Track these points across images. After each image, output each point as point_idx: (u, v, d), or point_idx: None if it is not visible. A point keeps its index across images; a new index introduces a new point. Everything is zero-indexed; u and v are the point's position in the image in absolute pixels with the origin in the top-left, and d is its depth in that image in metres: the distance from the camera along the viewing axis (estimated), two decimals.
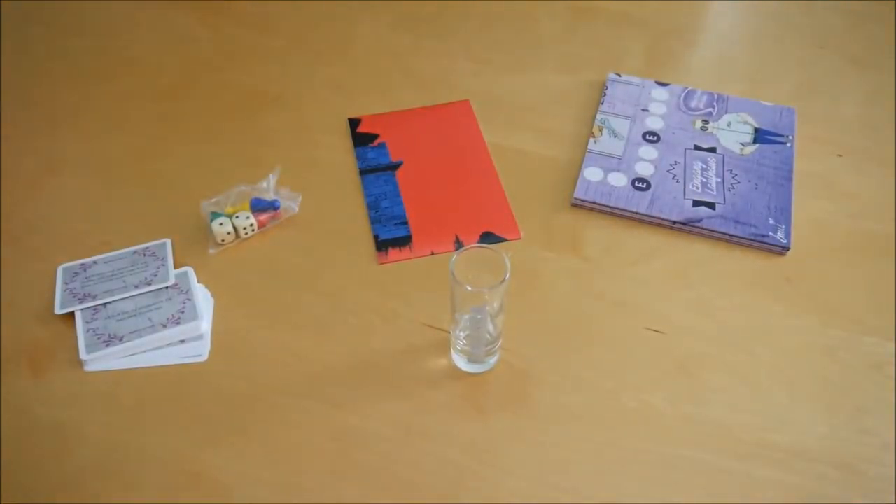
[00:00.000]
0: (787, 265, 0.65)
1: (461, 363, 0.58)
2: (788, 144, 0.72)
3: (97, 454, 0.54)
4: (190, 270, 0.63)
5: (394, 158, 0.73)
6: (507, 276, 0.51)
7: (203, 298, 0.62)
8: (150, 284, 0.62)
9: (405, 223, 0.68)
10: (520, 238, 0.67)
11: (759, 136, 0.73)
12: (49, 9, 0.92)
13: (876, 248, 0.66)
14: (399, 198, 0.70)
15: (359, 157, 0.74)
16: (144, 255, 0.65)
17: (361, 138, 0.75)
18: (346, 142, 0.76)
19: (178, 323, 0.59)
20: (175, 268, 0.64)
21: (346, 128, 0.77)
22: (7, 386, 0.57)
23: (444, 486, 0.52)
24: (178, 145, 0.75)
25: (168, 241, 0.66)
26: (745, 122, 0.74)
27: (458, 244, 0.66)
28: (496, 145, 0.75)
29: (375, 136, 0.75)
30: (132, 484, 0.53)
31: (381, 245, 0.66)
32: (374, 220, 0.68)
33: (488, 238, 0.67)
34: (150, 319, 0.60)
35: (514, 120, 0.78)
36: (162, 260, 0.64)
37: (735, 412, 0.56)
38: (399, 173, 0.72)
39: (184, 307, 0.60)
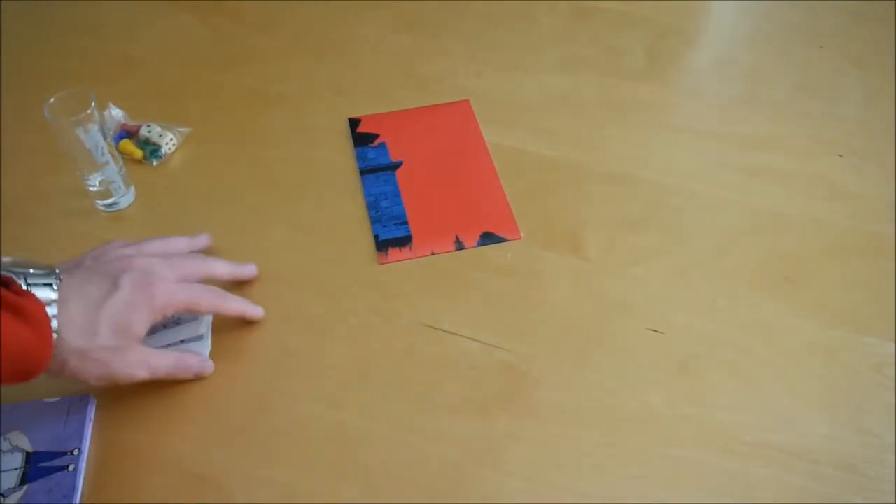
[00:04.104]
0: (787, 265, 0.65)
1: (103, 206, 0.69)
2: None
3: (97, 454, 0.54)
4: None
5: (394, 158, 0.73)
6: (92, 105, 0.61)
7: None
8: None
9: (405, 223, 0.68)
10: (520, 238, 0.67)
11: None
12: (49, 9, 0.92)
13: (876, 248, 0.66)
14: (399, 198, 0.70)
15: (359, 157, 0.73)
16: None
17: (361, 138, 0.75)
18: (346, 142, 0.76)
19: (177, 323, 0.59)
20: None
21: (346, 127, 0.77)
22: (8, 386, 0.57)
23: (444, 486, 0.52)
24: (178, 146, 0.75)
25: None
26: None
27: (459, 244, 0.66)
28: (496, 145, 0.75)
29: (375, 136, 0.75)
30: (132, 484, 0.53)
31: (381, 245, 0.66)
32: (374, 220, 0.68)
33: (488, 238, 0.67)
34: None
35: (514, 120, 0.78)
36: None
37: (735, 412, 0.56)
38: (399, 173, 0.72)
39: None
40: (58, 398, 0.56)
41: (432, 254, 0.66)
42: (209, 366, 0.58)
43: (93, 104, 0.63)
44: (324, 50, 0.86)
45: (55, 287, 0.50)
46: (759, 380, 0.58)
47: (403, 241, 0.66)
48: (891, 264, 0.65)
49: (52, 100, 0.63)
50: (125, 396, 0.57)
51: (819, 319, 0.61)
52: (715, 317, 0.62)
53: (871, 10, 0.90)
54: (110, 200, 0.69)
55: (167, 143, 0.74)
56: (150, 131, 0.74)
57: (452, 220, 0.68)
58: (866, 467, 0.53)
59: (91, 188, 0.68)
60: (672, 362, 0.59)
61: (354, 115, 0.78)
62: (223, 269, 0.61)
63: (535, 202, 0.70)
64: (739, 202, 0.70)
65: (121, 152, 0.72)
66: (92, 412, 0.56)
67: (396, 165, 0.73)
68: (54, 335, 0.49)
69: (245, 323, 0.61)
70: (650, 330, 0.61)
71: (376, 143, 0.75)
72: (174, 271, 0.56)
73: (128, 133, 0.75)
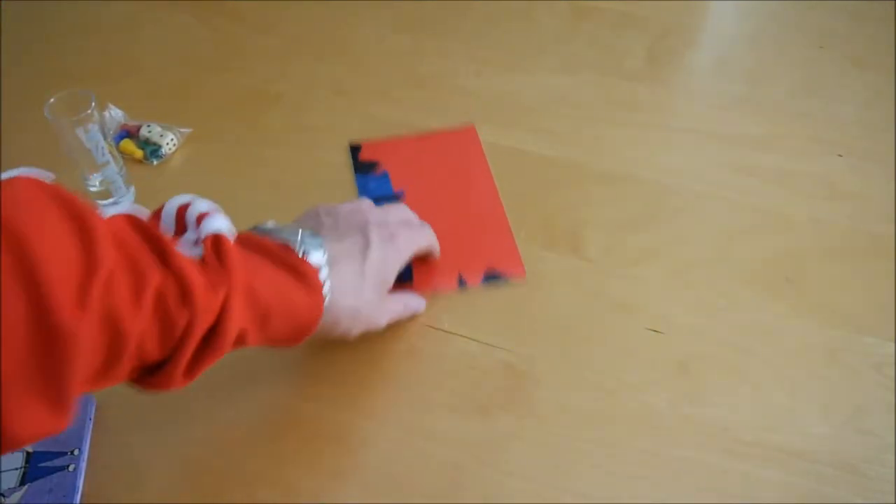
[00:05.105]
0: (788, 265, 0.65)
1: (103, 206, 0.69)
2: None
3: (97, 454, 0.54)
4: None
5: (396, 188, 0.71)
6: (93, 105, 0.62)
7: None
8: None
9: None
10: (524, 277, 0.64)
11: None
12: (49, 9, 0.92)
13: (876, 248, 0.66)
14: None
15: (360, 188, 0.71)
16: None
17: (363, 167, 0.72)
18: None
19: None
20: None
21: (347, 131, 0.77)
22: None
23: (444, 486, 0.52)
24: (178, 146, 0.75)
25: None
26: None
27: (462, 282, 0.63)
28: (496, 145, 0.75)
29: (377, 165, 0.73)
30: (132, 484, 0.53)
31: None
32: None
33: (493, 277, 0.64)
34: None
35: (514, 120, 0.78)
36: None
37: (735, 412, 0.56)
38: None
39: None
40: None
41: (433, 292, 0.63)
42: (423, 304, 0.61)
43: (93, 104, 0.63)
44: (324, 50, 0.86)
45: (325, 250, 0.50)
46: (759, 380, 0.58)
47: (402, 278, 0.60)
48: (891, 264, 0.65)
49: (52, 100, 0.63)
50: (125, 396, 0.57)
51: (819, 319, 0.61)
52: (715, 317, 0.62)
53: (871, 10, 0.90)
54: (110, 200, 0.69)
55: (167, 143, 0.74)
56: (150, 131, 0.74)
57: (455, 255, 0.65)
58: (866, 467, 0.53)
59: (91, 188, 0.68)
60: (672, 362, 0.59)
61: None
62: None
63: (535, 202, 0.70)
64: (739, 202, 0.70)
65: (121, 152, 0.72)
66: (92, 412, 0.56)
67: (398, 196, 0.70)
68: (327, 298, 0.49)
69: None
70: (650, 330, 0.61)
71: (378, 172, 0.72)
72: (396, 216, 0.59)
73: (128, 133, 0.75)
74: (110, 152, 0.67)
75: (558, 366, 0.59)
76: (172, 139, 0.74)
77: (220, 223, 0.45)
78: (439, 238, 0.64)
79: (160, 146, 0.74)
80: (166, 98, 0.80)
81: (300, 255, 0.48)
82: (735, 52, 0.86)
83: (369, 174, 0.72)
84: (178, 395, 0.57)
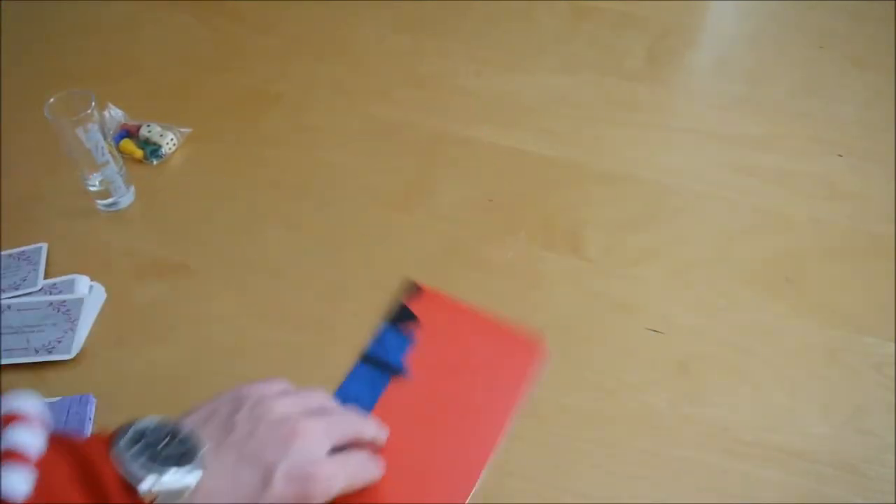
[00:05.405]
0: (787, 265, 0.65)
1: (103, 206, 0.69)
2: None
3: None
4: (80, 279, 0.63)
5: (406, 361, 0.58)
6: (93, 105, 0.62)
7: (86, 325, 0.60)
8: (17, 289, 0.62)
9: None
10: None
11: None
12: (49, 9, 0.92)
13: (876, 248, 0.66)
14: (370, 413, 0.54)
15: (378, 336, 0.59)
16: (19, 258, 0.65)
17: (402, 315, 0.61)
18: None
19: (49, 352, 0.58)
20: None
21: (347, 131, 0.77)
22: None
23: None
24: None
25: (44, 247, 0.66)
26: None
27: None
28: (496, 145, 0.75)
29: (415, 323, 0.60)
30: None
31: None
32: None
33: None
34: (27, 341, 0.59)
35: (514, 120, 0.78)
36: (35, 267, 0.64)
37: (735, 412, 0.56)
38: (394, 384, 0.57)
39: (62, 338, 0.59)
40: (58, 398, 0.56)
41: None
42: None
43: (93, 104, 0.63)
44: (324, 50, 0.86)
45: (197, 485, 0.41)
46: (759, 380, 0.58)
47: None
48: (891, 264, 0.65)
49: (52, 100, 0.63)
50: (125, 396, 0.57)
51: (819, 319, 0.61)
52: (715, 317, 0.62)
53: (871, 10, 0.90)
54: (110, 200, 0.69)
55: (167, 143, 0.74)
56: (150, 131, 0.74)
57: (403, 481, 0.51)
58: (866, 467, 0.53)
59: (91, 188, 0.68)
60: (672, 362, 0.59)
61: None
62: (371, 431, 0.51)
63: (535, 202, 0.70)
64: (739, 202, 0.70)
65: (121, 152, 0.72)
66: (92, 412, 0.56)
67: (399, 372, 0.57)
68: None
69: (242, 321, 0.61)
70: (650, 330, 0.61)
71: (407, 332, 0.59)
72: (331, 438, 0.47)
73: (128, 133, 0.75)
74: (110, 152, 0.67)
75: (558, 366, 0.59)
76: (172, 139, 0.74)
77: (18, 484, 0.36)
78: (403, 450, 0.52)
79: (160, 146, 0.74)
80: (166, 98, 0.80)
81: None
82: (735, 52, 0.86)
83: (398, 327, 0.60)
84: (177, 394, 0.57)
